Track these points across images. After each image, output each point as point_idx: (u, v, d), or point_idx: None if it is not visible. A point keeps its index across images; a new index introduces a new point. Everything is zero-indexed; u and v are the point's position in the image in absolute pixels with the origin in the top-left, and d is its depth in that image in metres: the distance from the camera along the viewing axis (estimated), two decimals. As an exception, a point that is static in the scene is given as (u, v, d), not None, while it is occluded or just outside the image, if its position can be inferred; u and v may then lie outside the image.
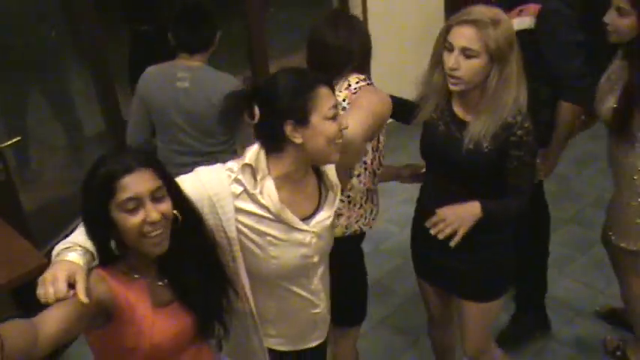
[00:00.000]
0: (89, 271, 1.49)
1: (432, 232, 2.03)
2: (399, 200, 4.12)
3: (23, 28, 3.17)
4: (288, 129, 1.68)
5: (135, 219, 1.47)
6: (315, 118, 1.69)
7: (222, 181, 1.74)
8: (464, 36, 1.92)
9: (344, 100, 2.14)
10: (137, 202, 1.46)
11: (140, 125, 2.82)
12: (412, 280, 3.44)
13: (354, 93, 2.14)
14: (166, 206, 1.52)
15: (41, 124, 3.70)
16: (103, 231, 1.50)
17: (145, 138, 2.84)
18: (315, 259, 1.87)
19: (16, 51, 3.09)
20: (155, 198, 1.49)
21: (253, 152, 1.75)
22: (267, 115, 1.68)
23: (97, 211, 1.47)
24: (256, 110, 1.69)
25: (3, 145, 2.61)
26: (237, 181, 1.74)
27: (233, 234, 1.74)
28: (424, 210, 2.20)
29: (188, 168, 1.80)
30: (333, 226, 1.93)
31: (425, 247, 2.30)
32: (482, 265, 2.21)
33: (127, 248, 1.54)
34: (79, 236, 1.54)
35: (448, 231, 2.01)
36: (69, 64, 3.80)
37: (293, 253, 1.81)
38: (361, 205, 2.29)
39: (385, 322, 3.27)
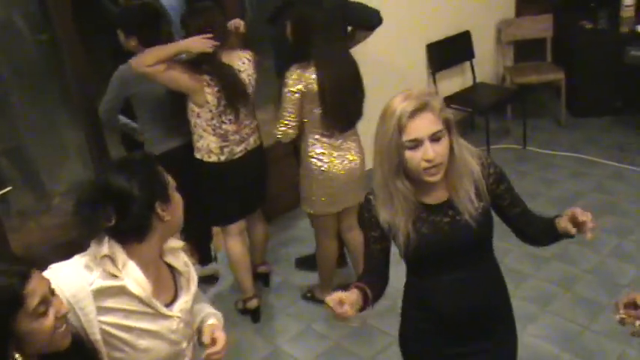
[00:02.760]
0: None
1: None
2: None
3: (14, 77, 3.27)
4: (160, 210, 1.68)
5: (48, 320, 1.42)
6: (172, 191, 1.73)
7: (80, 280, 1.62)
8: (426, 123, 1.78)
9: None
10: (46, 304, 1.42)
11: None
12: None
13: None
14: (60, 298, 1.49)
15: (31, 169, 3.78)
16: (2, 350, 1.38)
17: None
18: (184, 344, 1.82)
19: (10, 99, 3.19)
20: (53, 293, 1.46)
21: (105, 244, 1.65)
22: (130, 209, 1.63)
23: None
24: (110, 212, 1.63)
25: (-4, 194, 2.64)
26: (97, 277, 1.63)
27: (97, 336, 1.63)
28: (449, 318, 2.02)
29: None
30: (192, 310, 1.87)
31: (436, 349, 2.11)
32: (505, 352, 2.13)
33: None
34: None
35: None
36: (59, 112, 3.88)
37: (162, 342, 1.75)
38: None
39: (374, 362, 3.30)
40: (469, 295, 1.99)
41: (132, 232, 1.66)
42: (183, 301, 1.81)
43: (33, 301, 1.38)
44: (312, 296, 3.74)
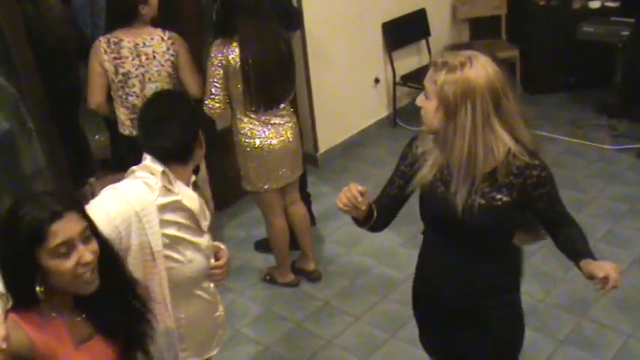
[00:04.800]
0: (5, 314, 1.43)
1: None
2: (345, 222, 4.17)
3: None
4: (201, 137, 1.99)
5: (68, 263, 1.44)
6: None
7: (145, 195, 1.83)
8: (427, 75, 1.80)
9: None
10: (69, 246, 1.44)
11: None
12: (361, 300, 3.53)
13: None
14: (94, 245, 1.51)
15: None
16: (26, 276, 1.44)
17: None
18: (212, 260, 2.08)
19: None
20: (84, 239, 1.47)
21: (156, 163, 1.89)
22: (181, 132, 1.95)
23: (22, 257, 1.42)
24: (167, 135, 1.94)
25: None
26: (158, 194, 1.85)
27: (159, 247, 1.84)
28: (427, 280, 2.07)
29: None
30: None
31: (428, 319, 2.15)
32: (492, 338, 2.03)
33: (51, 290, 1.47)
34: None
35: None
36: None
37: (200, 255, 2.00)
38: None
39: (334, 342, 3.30)
40: (451, 279, 1.96)
41: (180, 153, 1.93)
42: (205, 225, 2.04)
43: (54, 241, 1.42)
44: (271, 279, 3.73)
